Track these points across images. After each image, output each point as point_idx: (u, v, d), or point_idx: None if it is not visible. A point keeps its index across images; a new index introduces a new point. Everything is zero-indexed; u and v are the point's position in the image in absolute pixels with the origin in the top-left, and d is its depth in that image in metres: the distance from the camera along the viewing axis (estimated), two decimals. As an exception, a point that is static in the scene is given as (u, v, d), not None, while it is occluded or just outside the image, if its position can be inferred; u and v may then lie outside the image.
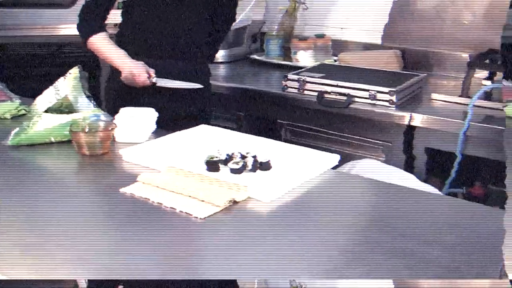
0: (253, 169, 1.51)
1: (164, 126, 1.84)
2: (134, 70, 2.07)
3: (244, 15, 2.98)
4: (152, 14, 2.14)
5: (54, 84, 1.83)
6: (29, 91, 2.02)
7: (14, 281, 1.11)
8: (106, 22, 2.14)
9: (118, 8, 2.25)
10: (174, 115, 2.12)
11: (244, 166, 1.50)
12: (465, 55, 2.64)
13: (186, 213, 1.30)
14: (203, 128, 1.85)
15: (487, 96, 2.21)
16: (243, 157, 1.54)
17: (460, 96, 2.27)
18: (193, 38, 2.19)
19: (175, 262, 1.13)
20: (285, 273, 1.14)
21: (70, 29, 2.18)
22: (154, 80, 2.08)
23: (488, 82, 2.29)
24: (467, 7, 2.68)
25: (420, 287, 1.26)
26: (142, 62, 2.09)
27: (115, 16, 2.22)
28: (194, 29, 2.18)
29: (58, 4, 2.87)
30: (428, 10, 2.75)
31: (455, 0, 2.70)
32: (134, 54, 2.12)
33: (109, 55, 2.12)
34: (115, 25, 2.25)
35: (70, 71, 1.85)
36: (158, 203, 1.35)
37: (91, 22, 2.11)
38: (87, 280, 1.43)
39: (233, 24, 2.42)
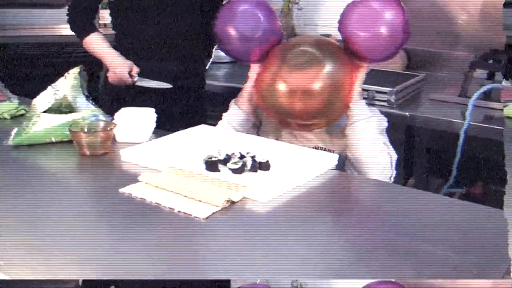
0: (253, 169, 1.51)
1: (160, 126, 1.83)
2: (118, 67, 2.08)
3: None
4: (140, 16, 2.14)
5: (53, 84, 1.83)
6: (29, 91, 2.03)
7: (15, 281, 1.11)
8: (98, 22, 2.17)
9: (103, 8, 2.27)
10: (169, 115, 2.12)
11: (243, 166, 1.50)
12: (466, 55, 2.63)
13: (185, 213, 1.29)
14: (203, 128, 1.84)
15: (486, 96, 2.21)
16: (242, 157, 1.54)
17: (459, 96, 2.26)
18: (184, 38, 2.19)
19: (176, 262, 1.13)
20: (286, 273, 1.14)
21: (69, 29, 2.21)
22: (135, 79, 2.09)
23: (488, 82, 2.28)
24: (462, 6, 2.67)
25: (421, 286, 1.26)
26: (131, 62, 2.10)
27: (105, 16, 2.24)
28: (184, 29, 2.18)
29: (50, 4, 2.88)
30: (425, 9, 2.74)
31: (449, 0, 2.70)
32: (129, 56, 2.13)
33: (101, 54, 2.14)
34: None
35: (70, 71, 1.85)
36: (156, 203, 1.34)
37: (81, 23, 2.14)
38: (81, 280, 1.43)
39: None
